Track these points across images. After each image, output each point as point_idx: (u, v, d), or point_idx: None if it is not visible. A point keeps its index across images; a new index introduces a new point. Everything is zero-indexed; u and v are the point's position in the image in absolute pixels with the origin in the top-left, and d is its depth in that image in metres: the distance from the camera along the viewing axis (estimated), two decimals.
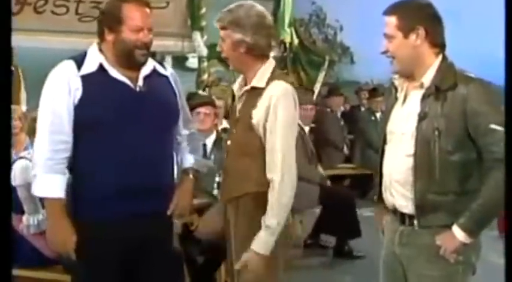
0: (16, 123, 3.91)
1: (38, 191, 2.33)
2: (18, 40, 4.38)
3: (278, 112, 2.26)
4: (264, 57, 2.37)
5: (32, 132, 3.41)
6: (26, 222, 3.36)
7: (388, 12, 2.17)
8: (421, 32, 2.11)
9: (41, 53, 5.99)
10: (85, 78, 2.30)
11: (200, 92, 6.42)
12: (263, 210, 2.30)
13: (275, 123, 2.26)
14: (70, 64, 2.33)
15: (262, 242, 2.27)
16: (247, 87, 2.39)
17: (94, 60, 2.34)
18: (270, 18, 2.41)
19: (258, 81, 2.34)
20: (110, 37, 2.34)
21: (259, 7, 2.37)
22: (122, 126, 2.30)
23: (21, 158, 3.42)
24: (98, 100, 2.29)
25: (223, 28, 2.36)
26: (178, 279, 2.67)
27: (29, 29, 5.64)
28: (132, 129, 2.31)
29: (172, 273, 2.58)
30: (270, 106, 2.27)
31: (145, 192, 2.34)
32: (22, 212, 3.37)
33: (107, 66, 2.34)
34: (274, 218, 2.26)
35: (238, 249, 2.39)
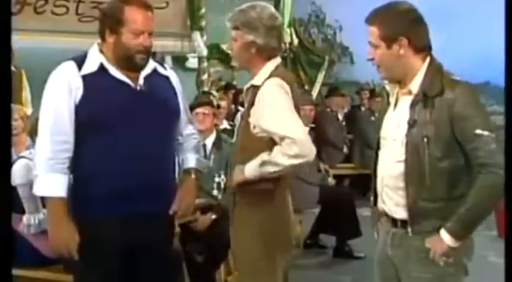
0: (18, 123, 3.91)
1: (39, 190, 2.34)
2: (18, 40, 4.40)
3: (263, 102, 2.28)
4: (273, 56, 2.40)
5: (34, 133, 3.41)
6: (27, 222, 3.36)
7: (369, 21, 2.15)
8: (404, 42, 2.09)
9: (41, 53, 5.99)
10: (86, 78, 2.31)
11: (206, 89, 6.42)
12: (258, 209, 2.34)
13: (263, 112, 2.28)
14: (71, 64, 2.34)
15: (248, 165, 2.30)
16: (248, 85, 2.43)
17: (94, 60, 2.35)
18: (280, 19, 2.44)
19: (257, 79, 2.38)
20: (110, 39, 2.34)
21: (271, 8, 2.41)
22: (122, 126, 2.30)
23: (21, 157, 3.42)
24: (98, 99, 2.30)
25: (235, 28, 2.38)
26: (178, 279, 2.67)
27: (29, 29, 5.64)
28: (133, 128, 2.32)
29: (172, 273, 2.58)
30: (259, 102, 2.30)
31: (146, 192, 2.34)
32: (22, 212, 3.37)
33: (107, 65, 2.35)
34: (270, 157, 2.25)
35: (234, 242, 2.46)
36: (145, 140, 2.33)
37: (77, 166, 2.35)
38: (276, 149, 2.25)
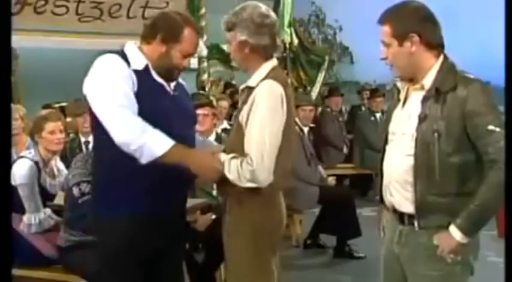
0: (18, 123, 3.92)
1: (159, 150, 2.22)
2: (18, 40, 4.40)
3: (256, 105, 2.28)
4: (270, 56, 2.42)
5: (36, 132, 3.41)
6: (28, 221, 3.37)
7: (381, 21, 2.18)
8: (415, 39, 2.12)
9: (41, 53, 6.00)
10: (136, 74, 2.33)
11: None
12: (246, 211, 2.35)
13: (253, 115, 2.28)
14: (118, 58, 2.33)
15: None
16: (243, 86, 2.44)
17: (139, 60, 2.37)
18: (274, 17, 2.44)
19: (252, 80, 2.39)
20: (159, 47, 2.37)
21: (263, 7, 2.41)
22: (163, 126, 2.29)
23: (21, 157, 3.43)
24: (148, 97, 2.32)
25: (228, 30, 2.41)
26: (178, 279, 2.68)
27: (29, 29, 5.65)
28: (171, 129, 2.32)
29: (175, 273, 2.63)
30: (252, 103, 2.30)
31: (174, 189, 2.41)
32: (22, 212, 3.37)
33: (150, 68, 2.39)
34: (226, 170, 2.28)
35: (225, 243, 2.48)
36: (179, 140, 2.33)
37: (115, 161, 2.32)
38: (237, 162, 2.27)
